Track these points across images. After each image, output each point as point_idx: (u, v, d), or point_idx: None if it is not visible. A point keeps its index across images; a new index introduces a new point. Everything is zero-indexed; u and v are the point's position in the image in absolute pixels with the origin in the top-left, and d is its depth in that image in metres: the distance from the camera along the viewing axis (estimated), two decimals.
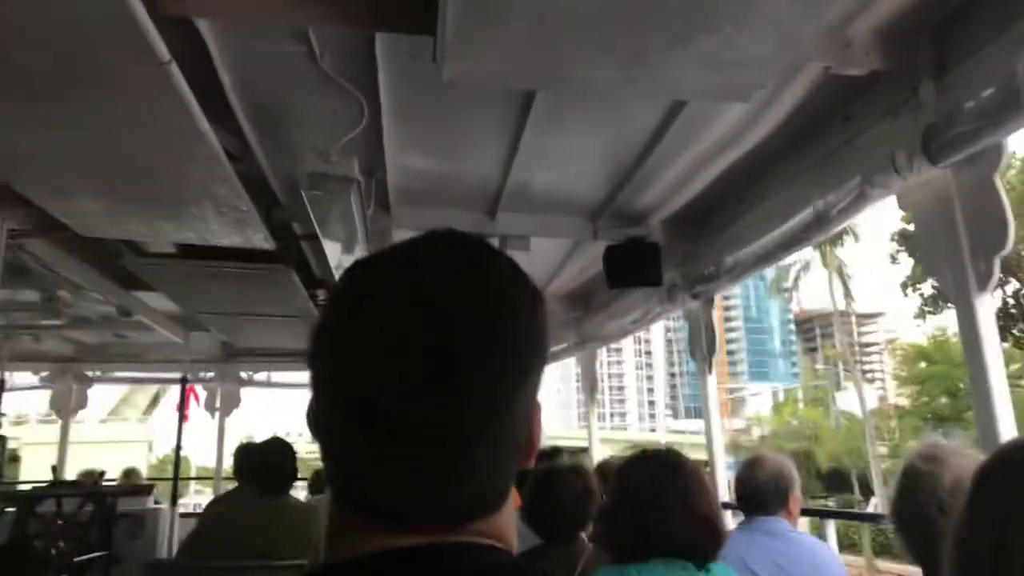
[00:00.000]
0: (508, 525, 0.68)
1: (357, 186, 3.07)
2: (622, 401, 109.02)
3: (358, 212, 3.14)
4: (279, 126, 3.05)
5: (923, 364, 38.55)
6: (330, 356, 0.64)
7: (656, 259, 4.18)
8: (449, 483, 0.63)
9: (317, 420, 0.66)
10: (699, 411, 4.55)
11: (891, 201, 2.57)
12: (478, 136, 3.31)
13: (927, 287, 25.76)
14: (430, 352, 0.59)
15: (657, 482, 1.84)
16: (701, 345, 4.41)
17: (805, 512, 3.76)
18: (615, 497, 1.91)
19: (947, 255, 2.32)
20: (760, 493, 2.63)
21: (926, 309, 27.03)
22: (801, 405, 57.32)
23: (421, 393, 0.59)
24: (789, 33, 1.91)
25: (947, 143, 2.21)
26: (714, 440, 4.32)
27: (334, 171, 2.90)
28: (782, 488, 2.64)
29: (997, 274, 2.19)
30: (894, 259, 27.13)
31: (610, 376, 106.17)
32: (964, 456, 1.50)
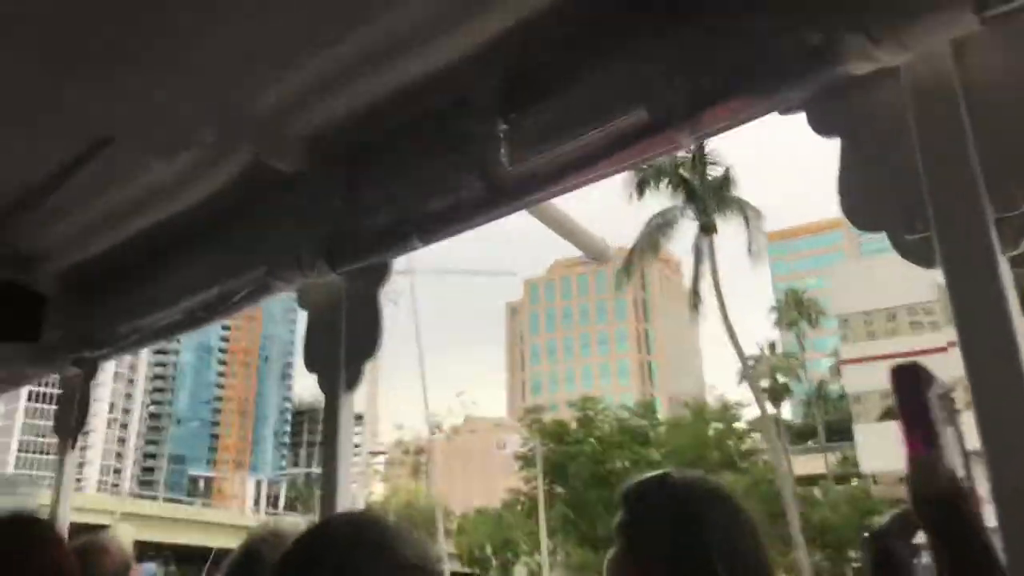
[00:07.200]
0: None
1: None
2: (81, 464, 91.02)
3: None
4: None
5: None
6: None
7: (38, 311, 3.62)
8: None
9: None
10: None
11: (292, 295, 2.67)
12: None
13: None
14: None
15: None
16: (70, 419, 3.88)
17: None
18: None
19: (326, 354, 2.47)
20: None
21: None
22: None
23: None
24: (220, 101, 1.89)
25: (346, 253, 2.40)
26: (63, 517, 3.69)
27: None
28: None
29: (364, 376, 2.40)
30: None
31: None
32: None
